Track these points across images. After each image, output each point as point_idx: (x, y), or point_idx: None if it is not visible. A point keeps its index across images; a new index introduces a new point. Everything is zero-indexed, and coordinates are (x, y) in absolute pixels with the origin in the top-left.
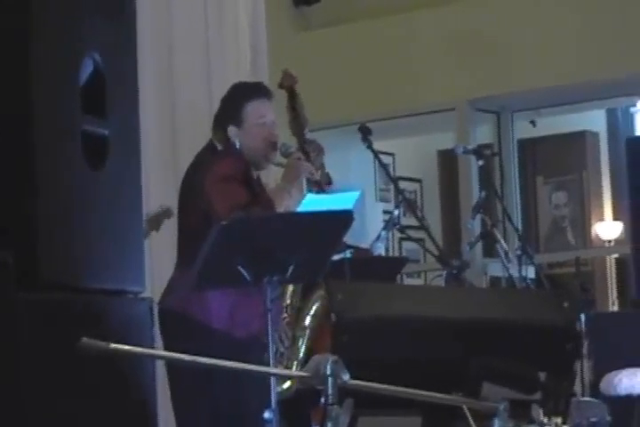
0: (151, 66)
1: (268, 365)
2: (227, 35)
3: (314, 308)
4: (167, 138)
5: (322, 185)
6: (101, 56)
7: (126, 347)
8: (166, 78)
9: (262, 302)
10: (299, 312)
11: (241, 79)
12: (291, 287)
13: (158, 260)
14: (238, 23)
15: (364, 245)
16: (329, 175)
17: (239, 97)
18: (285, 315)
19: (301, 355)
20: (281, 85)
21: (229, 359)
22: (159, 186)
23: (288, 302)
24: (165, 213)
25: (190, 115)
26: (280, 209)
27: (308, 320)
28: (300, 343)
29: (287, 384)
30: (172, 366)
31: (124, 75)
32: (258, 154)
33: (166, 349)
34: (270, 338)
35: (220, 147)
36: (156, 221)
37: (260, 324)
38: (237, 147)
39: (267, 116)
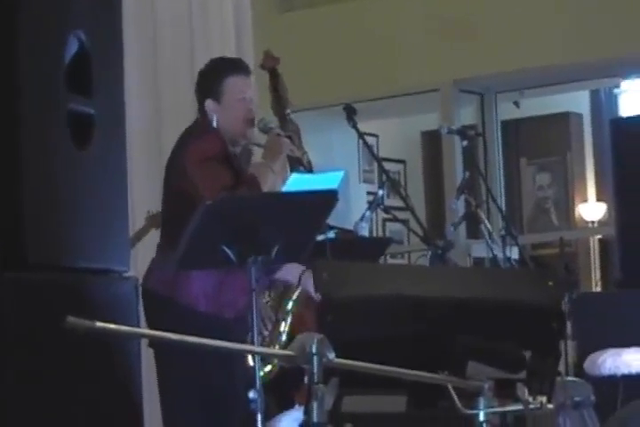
0: (135, 49)
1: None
2: (211, 16)
3: (296, 292)
4: (151, 121)
5: (303, 162)
6: (87, 35)
7: (112, 326)
8: (150, 60)
9: (247, 279)
10: (281, 296)
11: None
12: None
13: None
14: (222, 5)
15: (348, 226)
16: (309, 160)
17: (219, 71)
18: (268, 298)
19: (284, 338)
20: (262, 66)
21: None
22: (143, 171)
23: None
24: (152, 220)
25: (174, 97)
26: (265, 187)
27: (290, 304)
28: (283, 327)
29: (268, 368)
30: (157, 347)
31: (110, 54)
32: (235, 130)
33: (156, 342)
34: (255, 317)
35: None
36: (158, 219)
37: (245, 298)
38: (214, 122)
39: (246, 92)
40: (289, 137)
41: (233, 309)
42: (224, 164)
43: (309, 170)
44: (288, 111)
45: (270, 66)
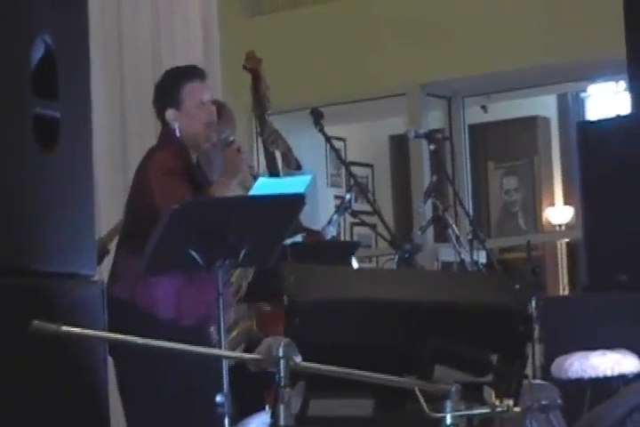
0: (100, 53)
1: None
2: (177, 20)
3: None
4: (116, 124)
5: (290, 160)
6: (53, 39)
7: (78, 329)
8: (115, 66)
9: (208, 288)
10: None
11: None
12: (237, 271)
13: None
14: (189, 7)
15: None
16: (297, 160)
17: (175, 80)
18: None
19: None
20: (245, 67)
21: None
22: (109, 174)
23: (234, 278)
24: None
25: (139, 101)
26: None
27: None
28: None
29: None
30: (118, 355)
31: (76, 58)
32: (198, 135)
33: (117, 350)
34: (222, 321)
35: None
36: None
37: (205, 310)
38: (177, 131)
39: (204, 95)
40: (272, 141)
41: (192, 316)
42: (185, 177)
43: (297, 167)
44: (268, 112)
45: (252, 67)
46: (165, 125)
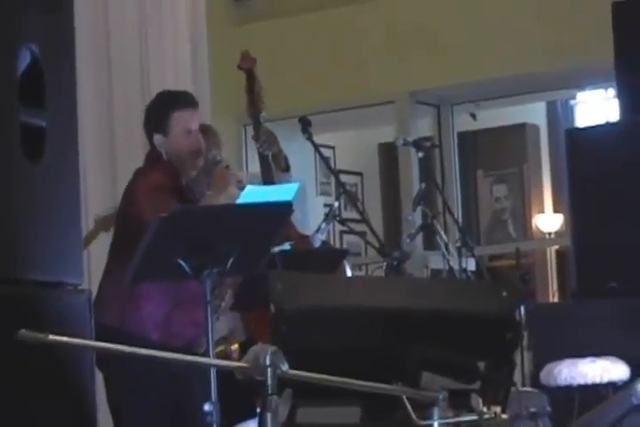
0: (88, 62)
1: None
2: (165, 29)
3: None
4: (104, 134)
5: (280, 163)
6: (39, 48)
7: (65, 338)
8: (104, 75)
9: (196, 309)
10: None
11: (180, 74)
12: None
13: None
14: (177, 16)
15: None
16: (287, 161)
17: (165, 106)
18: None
19: None
20: (239, 67)
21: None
22: (96, 183)
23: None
24: (101, 223)
25: (127, 110)
26: None
27: None
28: None
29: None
30: (108, 366)
31: (63, 67)
32: (184, 162)
33: (107, 364)
34: (211, 331)
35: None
36: (107, 222)
37: (195, 331)
38: (164, 155)
39: (192, 124)
40: (264, 142)
41: (181, 339)
42: (173, 194)
43: (285, 173)
44: (263, 114)
45: (247, 67)
46: (153, 147)
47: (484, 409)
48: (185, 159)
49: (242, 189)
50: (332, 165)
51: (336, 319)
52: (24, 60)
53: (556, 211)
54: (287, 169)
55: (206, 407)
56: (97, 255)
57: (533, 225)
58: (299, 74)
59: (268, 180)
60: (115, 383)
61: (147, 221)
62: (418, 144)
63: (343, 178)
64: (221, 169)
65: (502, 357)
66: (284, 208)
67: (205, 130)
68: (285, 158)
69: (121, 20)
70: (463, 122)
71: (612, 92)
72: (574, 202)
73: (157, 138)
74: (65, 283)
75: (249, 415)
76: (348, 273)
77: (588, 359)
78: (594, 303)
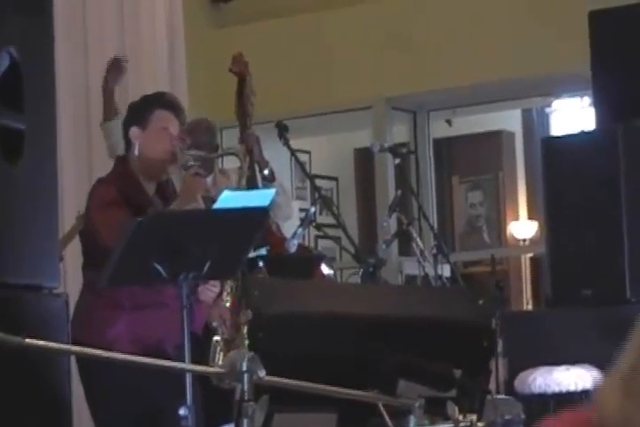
0: (65, 65)
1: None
2: (143, 33)
3: None
4: (81, 136)
5: (263, 171)
6: (18, 51)
7: (41, 342)
8: (81, 77)
9: (154, 308)
10: (241, 299)
11: (158, 77)
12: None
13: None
14: (155, 20)
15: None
16: (272, 172)
17: (149, 103)
18: (228, 300)
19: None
20: (230, 70)
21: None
22: (73, 185)
23: (229, 289)
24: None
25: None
26: None
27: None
28: (245, 330)
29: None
30: (85, 366)
31: (42, 70)
32: (156, 162)
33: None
34: (186, 335)
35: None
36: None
37: (164, 329)
38: (136, 151)
39: (171, 125)
40: (250, 150)
41: (153, 340)
42: (126, 207)
43: (271, 180)
44: (249, 118)
45: (238, 70)
46: (127, 146)
47: (460, 417)
48: (156, 159)
49: (211, 198)
50: (308, 169)
51: (313, 326)
52: (3, 63)
53: (530, 218)
54: (272, 180)
55: (181, 412)
56: (72, 258)
57: (508, 232)
58: (275, 78)
59: (251, 184)
60: (92, 389)
61: (105, 241)
62: (394, 150)
63: (319, 183)
64: (190, 176)
65: (478, 364)
66: (260, 213)
67: (196, 127)
68: (272, 171)
69: (98, 23)
70: (439, 128)
71: (587, 100)
72: (549, 209)
73: (134, 131)
74: (41, 286)
75: (227, 421)
76: (327, 271)
77: (563, 367)
78: (568, 311)
